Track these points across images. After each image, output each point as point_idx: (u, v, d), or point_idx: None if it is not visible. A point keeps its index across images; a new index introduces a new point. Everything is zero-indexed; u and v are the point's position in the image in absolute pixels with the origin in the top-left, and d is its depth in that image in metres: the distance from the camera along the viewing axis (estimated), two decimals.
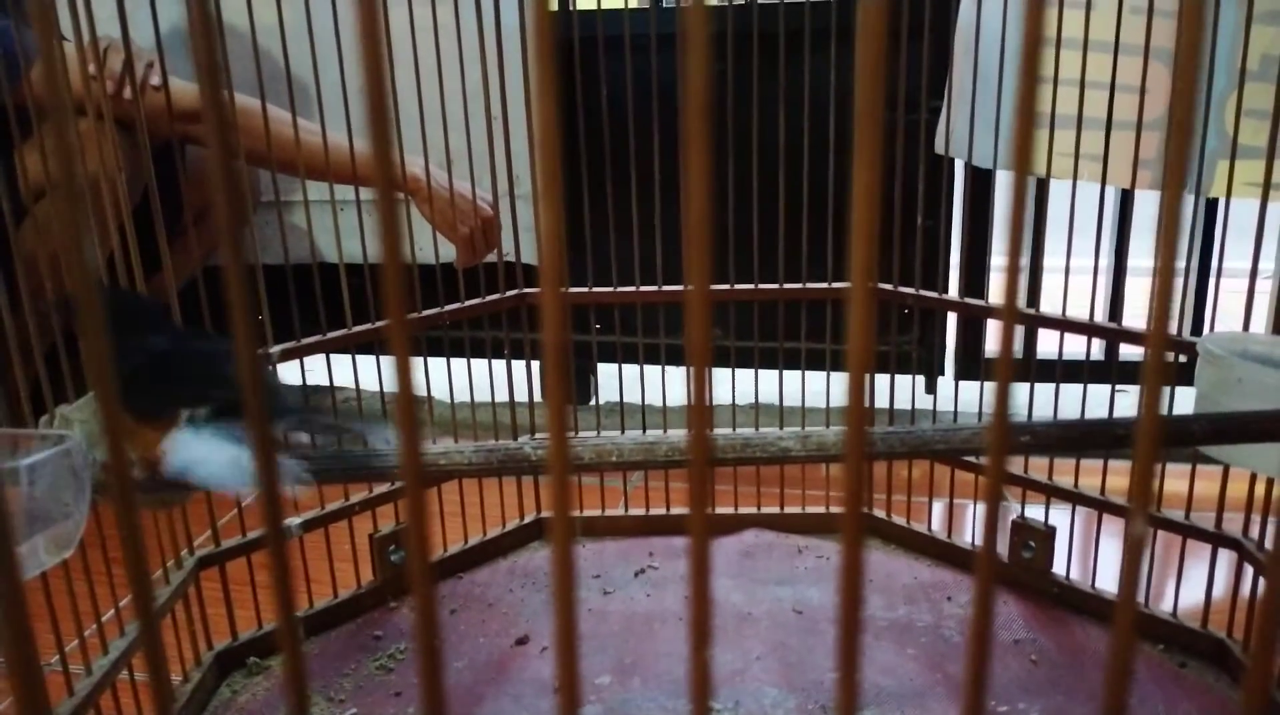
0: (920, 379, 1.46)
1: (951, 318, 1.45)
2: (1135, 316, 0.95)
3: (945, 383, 1.49)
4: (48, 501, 0.60)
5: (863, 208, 0.20)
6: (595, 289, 1.12)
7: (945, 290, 1.12)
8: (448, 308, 1.05)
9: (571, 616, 0.21)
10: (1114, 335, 0.93)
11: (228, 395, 0.62)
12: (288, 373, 0.96)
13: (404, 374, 0.20)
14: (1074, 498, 0.96)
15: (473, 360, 1.06)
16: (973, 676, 0.22)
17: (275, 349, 0.93)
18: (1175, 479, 0.84)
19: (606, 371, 1.59)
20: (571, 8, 1.29)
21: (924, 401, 1.44)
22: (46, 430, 0.66)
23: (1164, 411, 0.82)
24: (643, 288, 1.11)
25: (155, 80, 1.04)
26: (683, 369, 1.14)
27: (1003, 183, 1.12)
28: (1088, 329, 0.94)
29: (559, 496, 0.21)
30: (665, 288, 1.10)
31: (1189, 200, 1.08)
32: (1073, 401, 0.98)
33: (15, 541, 0.21)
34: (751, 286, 1.10)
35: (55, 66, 0.18)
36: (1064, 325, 0.95)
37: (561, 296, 0.20)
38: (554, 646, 0.91)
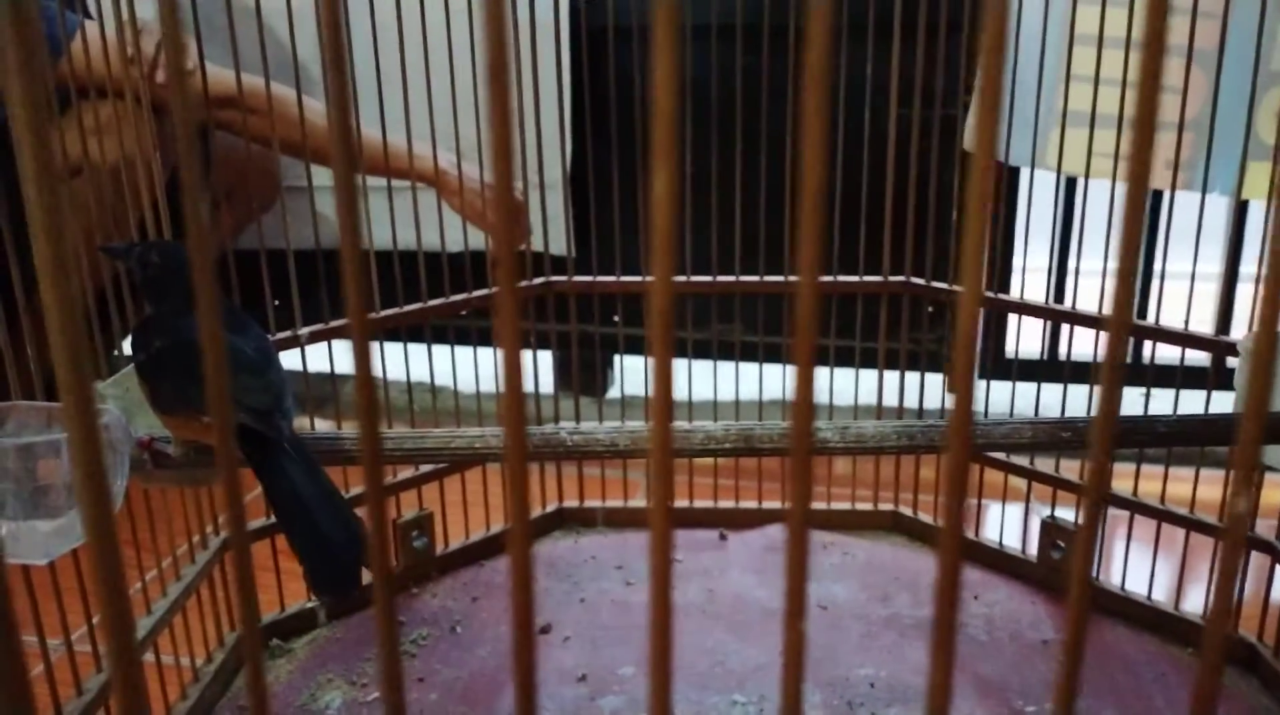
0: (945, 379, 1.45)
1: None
2: (1171, 319, 0.94)
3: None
4: None
5: (975, 213, 0.20)
6: (623, 278, 1.11)
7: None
8: (475, 294, 1.05)
9: (667, 604, 0.21)
10: (1152, 335, 0.93)
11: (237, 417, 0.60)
12: (316, 355, 0.97)
13: (513, 367, 0.20)
14: (1105, 499, 0.95)
15: (498, 349, 1.06)
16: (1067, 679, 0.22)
17: (304, 331, 0.93)
18: (1208, 485, 0.83)
19: (621, 364, 1.59)
20: None
21: (948, 400, 1.43)
22: None
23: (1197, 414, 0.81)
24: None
25: (190, 65, 1.04)
26: (705, 362, 1.13)
27: (1043, 182, 1.11)
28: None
29: (661, 483, 0.20)
30: (693, 278, 1.10)
31: (1224, 202, 1.07)
32: None
33: (110, 480, 0.21)
34: (781, 278, 1.09)
35: (177, 36, 0.18)
36: (1100, 323, 0.94)
37: (670, 282, 0.20)
38: (576, 636, 0.90)
